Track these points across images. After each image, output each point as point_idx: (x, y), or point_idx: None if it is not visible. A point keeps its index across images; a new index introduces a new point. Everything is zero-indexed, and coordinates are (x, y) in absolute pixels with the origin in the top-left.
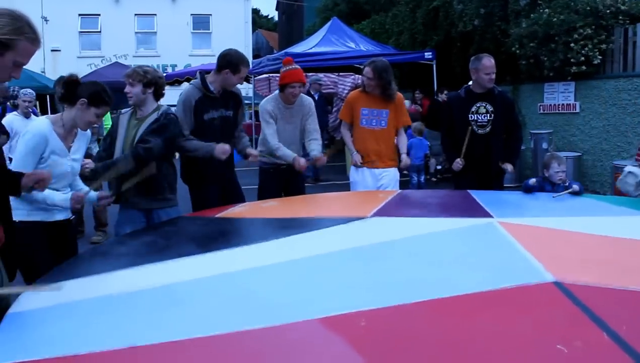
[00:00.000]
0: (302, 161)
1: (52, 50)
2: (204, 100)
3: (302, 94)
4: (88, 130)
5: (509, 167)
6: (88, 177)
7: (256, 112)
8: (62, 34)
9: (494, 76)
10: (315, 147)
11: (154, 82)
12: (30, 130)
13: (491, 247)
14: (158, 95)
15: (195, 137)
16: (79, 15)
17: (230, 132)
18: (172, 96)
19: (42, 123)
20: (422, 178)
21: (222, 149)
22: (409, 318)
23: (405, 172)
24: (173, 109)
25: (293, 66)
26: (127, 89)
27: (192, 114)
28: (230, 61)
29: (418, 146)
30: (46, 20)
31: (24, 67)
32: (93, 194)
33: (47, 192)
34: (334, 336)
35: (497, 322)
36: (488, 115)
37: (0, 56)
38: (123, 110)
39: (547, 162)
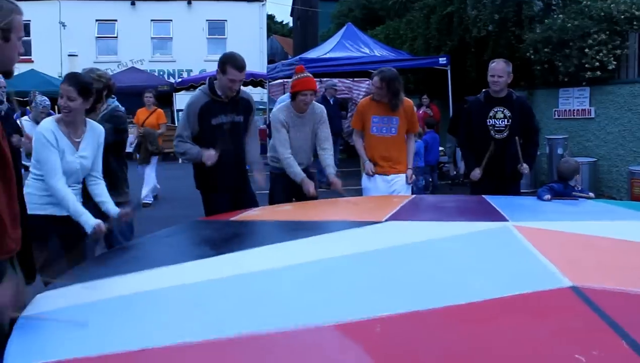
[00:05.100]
0: (312, 187)
1: (69, 55)
2: (211, 105)
3: (314, 102)
4: (100, 126)
5: (525, 168)
6: None
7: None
8: (79, 39)
9: (499, 80)
10: (329, 162)
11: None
12: (39, 129)
13: (507, 251)
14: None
15: (204, 142)
16: (96, 20)
17: (241, 137)
18: (186, 101)
19: (47, 122)
20: (435, 177)
21: (208, 155)
22: (425, 325)
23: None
24: None
25: (305, 74)
26: None
27: (196, 119)
28: (220, 61)
29: (422, 150)
30: (64, 26)
31: (42, 71)
32: (114, 211)
33: (81, 209)
34: (348, 342)
35: (514, 329)
36: (506, 120)
37: (8, 41)
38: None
39: (577, 169)
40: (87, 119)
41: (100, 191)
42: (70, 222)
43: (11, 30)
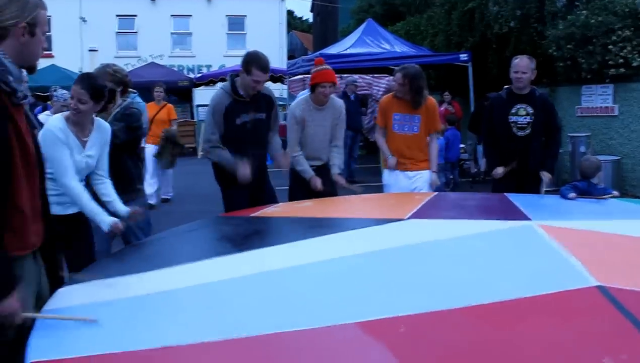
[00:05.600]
0: (319, 183)
1: (89, 50)
2: (234, 104)
3: (333, 96)
4: (107, 124)
5: (546, 176)
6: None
7: None
8: (99, 34)
9: (523, 76)
10: (336, 161)
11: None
12: (47, 127)
13: (531, 250)
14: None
15: (228, 141)
16: (116, 16)
17: (263, 135)
18: (205, 96)
19: (56, 120)
20: (456, 174)
21: (243, 174)
22: (449, 326)
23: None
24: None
25: (324, 66)
26: None
27: (222, 119)
28: (244, 61)
29: (443, 147)
30: (84, 21)
31: (62, 67)
32: (124, 210)
33: (96, 208)
34: (372, 341)
35: (539, 331)
36: (528, 117)
37: (34, 35)
38: None
39: (599, 167)
40: (95, 117)
41: (107, 190)
42: (72, 221)
43: (37, 25)
